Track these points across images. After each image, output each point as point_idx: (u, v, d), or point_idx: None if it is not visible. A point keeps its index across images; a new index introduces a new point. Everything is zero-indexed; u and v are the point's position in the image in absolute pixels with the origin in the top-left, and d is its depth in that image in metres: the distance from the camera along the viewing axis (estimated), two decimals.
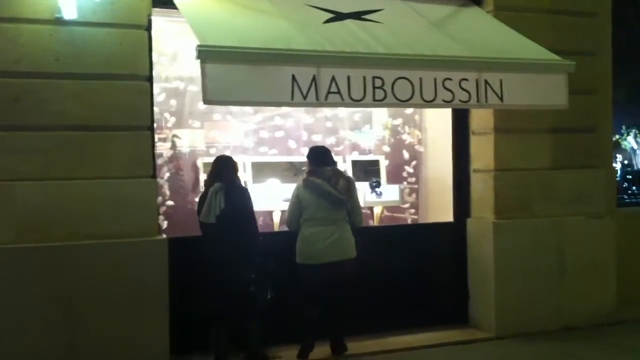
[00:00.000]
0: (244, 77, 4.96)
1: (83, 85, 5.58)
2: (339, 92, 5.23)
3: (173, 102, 6.98)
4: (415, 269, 7.15)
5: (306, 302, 6.14)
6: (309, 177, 6.15)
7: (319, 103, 5.22)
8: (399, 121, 7.98)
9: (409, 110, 7.90)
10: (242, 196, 5.84)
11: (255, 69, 4.99)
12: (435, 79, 5.55)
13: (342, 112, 7.79)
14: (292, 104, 5.34)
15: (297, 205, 6.13)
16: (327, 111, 7.72)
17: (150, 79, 5.92)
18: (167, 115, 7.00)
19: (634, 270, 7.81)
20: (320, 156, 6.28)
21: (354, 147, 7.87)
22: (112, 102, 5.64)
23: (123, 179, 5.65)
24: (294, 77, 5.07)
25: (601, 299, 7.36)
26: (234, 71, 4.93)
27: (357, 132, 7.97)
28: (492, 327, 6.98)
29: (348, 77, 5.25)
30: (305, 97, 5.12)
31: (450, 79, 5.59)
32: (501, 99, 5.77)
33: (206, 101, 4.90)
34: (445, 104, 5.66)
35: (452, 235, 7.35)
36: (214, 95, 4.86)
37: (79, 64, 5.57)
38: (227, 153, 7.23)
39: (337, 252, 6.08)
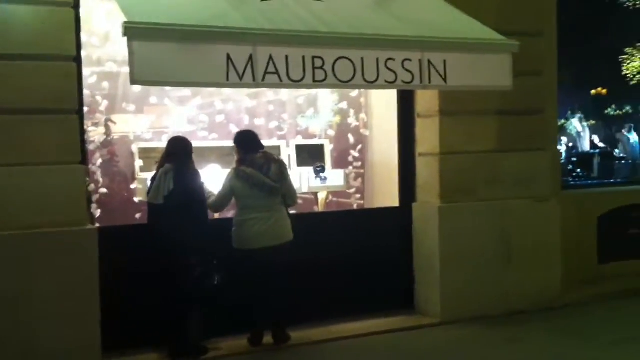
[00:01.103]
0: (175, 57, 4.70)
1: (4, 67, 5.22)
2: (277, 73, 5.01)
3: (106, 84, 6.66)
4: (361, 255, 6.98)
5: (245, 288, 5.95)
6: (240, 167, 5.94)
7: (256, 84, 4.99)
8: (344, 104, 7.79)
9: (354, 93, 7.73)
10: (192, 179, 5.68)
11: (187, 47, 4.73)
12: (377, 59, 5.37)
13: (285, 95, 7.59)
14: (227, 84, 5.11)
15: (229, 194, 5.96)
16: (269, 95, 7.51)
17: (78, 59, 5.62)
18: (99, 98, 6.69)
19: (579, 253, 7.83)
20: (248, 142, 6.06)
21: (298, 131, 7.64)
22: (36, 85, 5.29)
23: (48, 166, 5.31)
24: (229, 57, 4.83)
25: (547, 282, 7.31)
26: (164, 50, 4.66)
27: (305, 116, 7.75)
28: (437, 313, 6.88)
29: (286, 57, 5.03)
30: (241, 78, 4.89)
31: (392, 59, 5.42)
32: (445, 79, 5.63)
33: (134, 82, 4.63)
34: (388, 85, 5.50)
35: (398, 220, 7.21)
36: (143, 75, 4.60)
37: (1, 45, 5.21)
38: (165, 138, 7.00)
39: (275, 236, 5.95)
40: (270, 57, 4.96)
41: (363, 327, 6.66)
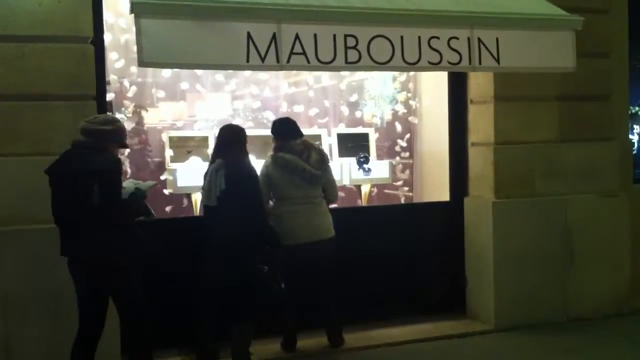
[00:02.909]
0: (188, 35, 4.22)
1: (16, 49, 4.87)
2: (304, 53, 4.48)
3: (134, 69, 6.24)
4: (408, 253, 6.46)
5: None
6: (278, 153, 5.47)
7: (280, 66, 4.47)
8: (394, 87, 7.22)
9: (402, 77, 7.18)
10: (246, 175, 5.07)
11: (203, 25, 4.24)
12: (419, 38, 4.79)
13: (326, 80, 7.07)
14: (247, 67, 4.63)
15: (266, 184, 5.42)
16: (310, 79, 7.01)
17: (98, 41, 5.21)
18: (127, 84, 6.29)
19: None
20: (286, 128, 5.59)
21: (340, 119, 7.11)
22: (49, 68, 4.92)
23: None
24: (249, 35, 4.33)
25: (613, 286, 6.63)
26: (176, 28, 4.18)
27: (358, 103, 7.22)
28: (490, 319, 6.29)
29: (315, 36, 4.50)
30: (263, 59, 4.39)
31: (437, 38, 4.83)
32: (497, 60, 5.01)
33: (142, 63, 4.16)
34: (432, 66, 4.90)
35: (448, 216, 6.63)
36: (152, 56, 4.14)
37: (11, 25, 4.85)
38: (197, 126, 6.63)
39: (315, 231, 5.48)
40: (297, 36, 4.45)
41: (407, 333, 6.14)
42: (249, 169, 5.13)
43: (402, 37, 4.73)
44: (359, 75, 7.20)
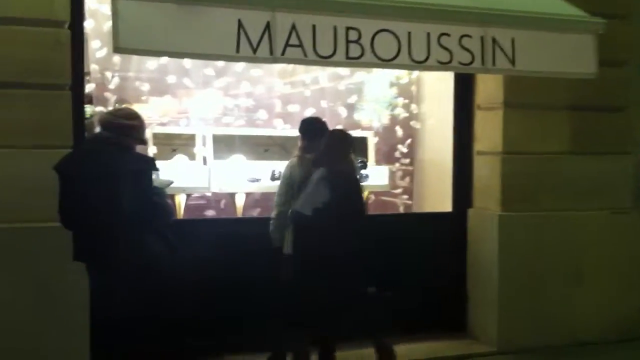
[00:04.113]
0: (171, 20, 3.79)
1: None
2: (301, 46, 4.08)
3: (117, 59, 5.82)
4: (405, 267, 5.98)
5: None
6: (305, 155, 5.07)
7: (274, 58, 4.05)
8: (391, 92, 6.83)
9: (404, 79, 6.80)
10: (348, 187, 4.75)
11: (188, 9, 3.81)
12: (428, 34, 4.40)
13: (324, 79, 6.67)
14: (237, 58, 4.22)
15: (288, 185, 5.04)
16: (306, 78, 6.61)
17: (75, 27, 4.77)
18: (109, 75, 5.87)
19: None
20: (315, 128, 5.20)
21: (337, 121, 6.70)
22: (16, 53, 4.48)
23: (29, 149, 4.48)
24: (240, 23, 3.92)
25: (623, 309, 6.23)
26: (157, 11, 3.75)
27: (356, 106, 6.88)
28: (493, 340, 5.91)
29: (313, 27, 4.09)
30: (255, 51, 3.98)
31: (447, 35, 4.44)
32: (513, 62, 4.62)
33: (117, 49, 3.74)
34: (441, 66, 4.50)
35: (450, 228, 6.23)
36: (129, 41, 3.70)
37: None
38: (185, 122, 6.22)
39: None
40: (293, 26, 4.04)
41: (406, 353, 5.65)
42: (351, 179, 4.83)
43: (409, 33, 4.34)
44: (359, 76, 6.85)
